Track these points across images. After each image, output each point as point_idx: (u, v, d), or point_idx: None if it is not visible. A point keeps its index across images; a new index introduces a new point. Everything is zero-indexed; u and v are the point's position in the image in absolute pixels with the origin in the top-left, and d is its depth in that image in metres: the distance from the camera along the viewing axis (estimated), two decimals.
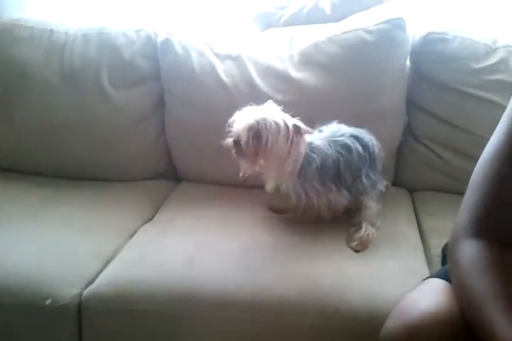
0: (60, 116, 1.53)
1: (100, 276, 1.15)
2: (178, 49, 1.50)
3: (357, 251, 1.21)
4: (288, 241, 1.24)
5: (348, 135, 1.26)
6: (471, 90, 1.46)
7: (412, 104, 1.55)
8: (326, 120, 1.30)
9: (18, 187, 1.52)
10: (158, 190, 1.57)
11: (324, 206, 1.25)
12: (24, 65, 1.53)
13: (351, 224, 1.29)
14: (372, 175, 1.28)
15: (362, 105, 1.47)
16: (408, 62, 1.54)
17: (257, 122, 1.11)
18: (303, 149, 1.15)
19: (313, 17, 1.62)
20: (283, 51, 1.50)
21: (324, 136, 1.24)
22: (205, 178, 1.58)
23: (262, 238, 1.26)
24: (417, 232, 1.35)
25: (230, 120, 1.16)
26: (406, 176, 1.60)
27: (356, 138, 1.26)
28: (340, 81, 1.46)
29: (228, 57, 1.50)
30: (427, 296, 0.82)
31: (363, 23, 1.46)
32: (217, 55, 1.51)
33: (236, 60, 1.50)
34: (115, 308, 1.10)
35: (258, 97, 1.43)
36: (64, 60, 1.53)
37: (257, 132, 1.10)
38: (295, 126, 1.12)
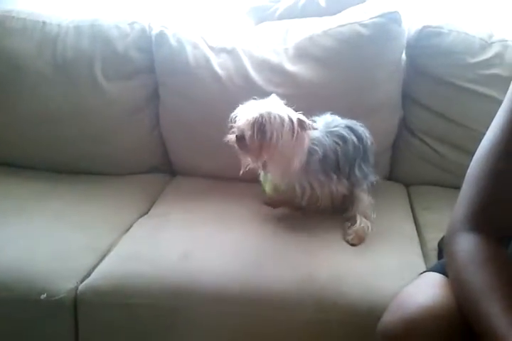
0: (53, 108, 1.52)
1: (96, 270, 1.15)
2: (173, 42, 1.49)
3: (353, 245, 1.21)
4: (284, 235, 1.24)
5: (342, 126, 1.27)
6: (466, 84, 1.46)
7: (407, 98, 1.55)
8: (321, 113, 1.30)
9: (11, 181, 1.51)
10: (153, 184, 1.56)
11: (327, 197, 1.25)
12: (16, 56, 1.52)
13: (346, 219, 1.29)
14: (364, 167, 1.29)
15: (357, 99, 1.47)
16: (403, 56, 1.54)
17: (262, 116, 1.09)
18: (307, 143, 1.15)
19: (308, 10, 1.61)
20: (278, 44, 1.50)
21: (319, 127, 1.24)
22: (201, 172, 1.57)
23: (258, 232, 1.26)
24: (413, 226, 1.36)
25: (232, 114, 1.14)
26: (402, 170, 1.60)
27: (351, 129, 1.27)
28: (336, 74, 1.46)
29: (223, 50, 1.50)
30: (424, 290, 0.83)
31: (358, 16, 1.45)
32: (211, 48, 1.50)
33: (231, 53, 1.49)
34: (111, 302, 1.10)
35: (253, 90, 1.44)
36: (57, 51, 1.52)
37: (261, 126, 1.09)
38: (299, 120, 1.12)
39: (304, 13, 1.60)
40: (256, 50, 1.49)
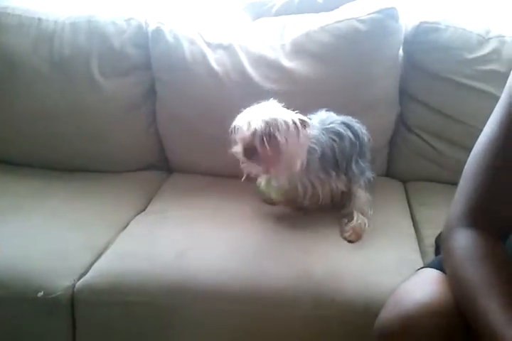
0: (49, 105, 1.51)
1: (93, 268, 1.15)
2: (169, 38, 1.48)
3: (351, 242, 1.21)
4: (281, 232, 1.24)
5: (338, 122, 1.26)
6: (463, 80, 1.46)
7: (404, 94, 1.55)
8: (318, 109, 1.30)
9: (7, 179, 1.51)
10: (150, 181, 1.56)
11: (327, 194, 1.25)
12: (12, 53, 1.51)
13: (343, 215, 1.29)
14: (361, 163, 1.29)
15: (354, 95, 1.46)
16: (401, 51, 1.53)
17: (268, 124, 1.07)
18: (308, 142, 1.15)
19: (305, 6, 1.60)
20: (275, 40, 1.49)
21: (315, 124, 1.23)
22: (198, 169, 1.57)
23: (255, 229, 1.25)
24: (411, 222, 1.36)
25: (233, 125, 1.12)
26: (399, 166, 1.60)
27: (347, 125, 1.27)
28: (333, 70, 1.45)
29: (220, 46, 1.49)
30: (421, 286, 0.82)
31: (355, 12, 1.45)
32: (208, 44, 1.49)
33: (228, 49, 1.48)
34: (108, 300, 1.10)
35: (250, 86, 1.43)
36: (53, 48, 1.51)
37: (270, 135, 1.07)
38: (301, 121, 1.12)
39: (300, 9, 1.60)
40: (253, 46, 1.48)
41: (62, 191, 1.44)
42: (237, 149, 1.12)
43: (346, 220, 1.26)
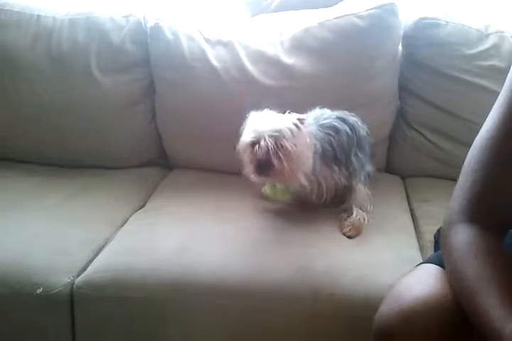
0: (48, 101, 1.51)
1: (92, 264, 1.15)
2: (168, 34, 1.48)
3: (350, 237, 1.21)
4: (281, 228, 1.24)
5: (333, 117, 1.27)
6: (463, 76, 1.46)
7: (404, 90, 1.55)
8: (317, 105, 1.29)
9: (7, 175, 1.51)
10: (149, 177, 1.56)
11: (332, 189, 1.26)
12: (11, 49, 1.51)
13: (342, 210, 1.29)
14: (360, 155, 1.29)
15: (354, 90, 1.46)
16: (400, 47, 1.53)
17: (276, 138, 1.10)
18: (312, 138, 1.16)
19: (304, 2, 1.60)
20: (274, 36, 1.49)
21: (310, 122, 1.23)
22: (197, 165, 1.57)
23: (255, 224, 1.26)
24: (410, 218, 1.36)
25: (238, 147, 1.14)
26: (398, 162, 1.60)
27: (342, 119, 1.27)
28: (332, 66, 1.45)
29: (219, 42, 1.49)
30: (420, 282, 0.82)
31: (354, 8, 1.44)
32: (207, 41, 1.49)
33: (227, 45, 1.48)
34: (107, 296, 1.10)
35: (249, 82, 1.43)
36: (52, 44, 1.51)
37: (283, 146, 1.09)
38: (299, 120, 1.13)
39: (299, 5, 1.59)
40: (252, 42, 1.48)
41: (60, 188, 1.44)
42: (248, 169, 1.14)
43: (346, 215, 1.26)
